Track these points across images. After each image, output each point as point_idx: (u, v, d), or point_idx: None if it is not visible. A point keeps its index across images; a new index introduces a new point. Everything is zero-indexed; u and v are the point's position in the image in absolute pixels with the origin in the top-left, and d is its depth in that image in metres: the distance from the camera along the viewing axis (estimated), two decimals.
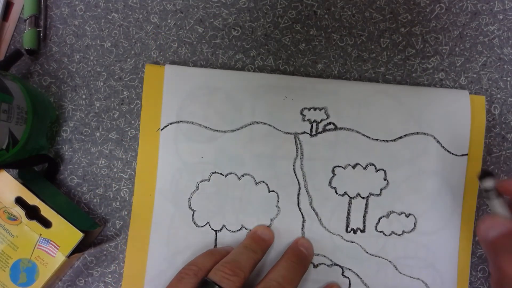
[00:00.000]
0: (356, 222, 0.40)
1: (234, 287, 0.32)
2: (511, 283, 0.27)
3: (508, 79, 0.41)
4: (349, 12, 0.42)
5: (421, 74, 0.41)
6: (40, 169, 0.41)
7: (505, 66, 0.41)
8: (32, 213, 0.38)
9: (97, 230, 0.40)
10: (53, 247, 0.37)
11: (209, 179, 0.40)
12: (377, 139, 0.40)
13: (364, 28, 0.42)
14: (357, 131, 0.40)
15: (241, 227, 0.40)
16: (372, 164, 0.40)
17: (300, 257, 0.38)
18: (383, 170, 0.40)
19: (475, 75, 0.41)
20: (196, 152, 0.40)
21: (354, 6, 0.42)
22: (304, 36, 0.42)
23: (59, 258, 0.37)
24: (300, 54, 0.42)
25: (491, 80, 0.41)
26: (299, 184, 0.40)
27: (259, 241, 0.38)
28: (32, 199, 0.38)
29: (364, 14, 0.42)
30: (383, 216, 0.40)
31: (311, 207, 0.40)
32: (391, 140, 0.40)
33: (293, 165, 0.40)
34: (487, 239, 0.30)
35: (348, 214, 0.40)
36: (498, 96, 0.41)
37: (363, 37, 0.42)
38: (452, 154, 0.40)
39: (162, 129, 0.40)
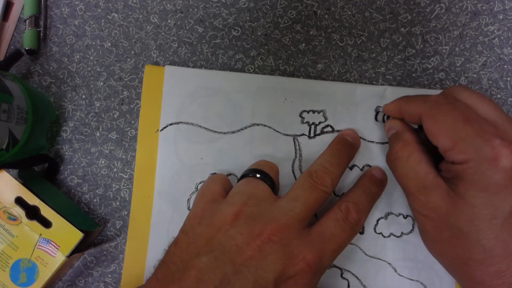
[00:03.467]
0: None
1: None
2: (388, 162, 0.36)
3: (508, 79, 0.41)
4: (349, 12, 0.42)
5: (421, 74, 0.41)
6: (40, 169, 0.41)
7: (505, 66, 0.41)
8: (32, 213, 0.38)
9: (97, 230, 0.40)
10: (53, 247, 0.37)
11: None
12: (373, 141, 0.40)
13: (364, 28, 0.42)
14: None
15: None
16: (369, 166, 0.40)
17: (346, 144, 0.38)
18: None
19: (475, 75, 0.41)
20: (195, 153, 0.40)
21: (354, 6, 0.42)
22: (304, 36, 0.42)
23: (59, 258, 0.37)
24: (300, 54, 0.42)
25: (491, 80, 0.41)
26: None
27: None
28: (32, 199, 0.38)
29: (364, 14, 0.42)
30: (381, 218, 0.40)
31: None
32: (387, 142, 0.40)
33: (292, 167, 0.40)
34: (387, 136, 0.37)
35: None
36: (498, 96, 0.41)
37: (363, 37, 0.42)
38: None
39: (161, 130, 0.40)
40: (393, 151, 0.35)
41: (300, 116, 0.40)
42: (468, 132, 0.30)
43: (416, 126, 0.36)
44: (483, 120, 0.31)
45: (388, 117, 0.38)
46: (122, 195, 0.41)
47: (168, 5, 0.42)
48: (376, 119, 0.40)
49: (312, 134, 0.40)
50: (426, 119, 0.33)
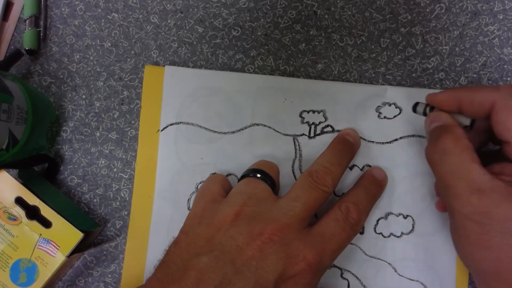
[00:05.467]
0: None
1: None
2: (428, 161, 0.33)
3: (508, 79, 0.41)
4: (349, 12, 0.42)
5: (421, 74, 0.41)
6: (40, 169, 0.41)
7: (505, 66, 0.41)
8: (32, 213, 0.38)
9: (97, 230, 0.40)
10: (53, 247, 0.37)
11: None
12: (373, 141, 0.40)
13: (364, 28, 0.41)
14: None
15: None
16: (369, 166, 0.40)
17: (346, 144, 0.38)
18: None
19: (475, 75, 0.41)
20: (195, 154, 0.40)
21: (354, 6, 0.42)
22: (304, 36, 0.42)
23: (59, 258, 0.37)
24: (300, 54, 0.42)
25: (491, 80, 0.41)
26: None
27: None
28: (32, 199, 0.38)
29: (364, 14, 0.42)
30: (381, 218, 0.40)
31: None
32: (387, 142, 0.40)
33: (292, 167, 0.40)
34: (429, 130, 0.34)
35: None
36: None
37: (363, 37, 0.42)
38: None
39: (161, 130, 0.40)
40: (441, 144, 0.32)
41: (300, 116, 0.40)
42: None
43: (468, 123, 0.33)
44: None
45: (431, 110, 0.35)
46: (122, 195, 0.41)
47: (168, 5, 0.42)
48: (414, 111, 0.36)
49: (312, 134, 0.40)
50: (501, 109, 0.30)
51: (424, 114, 0.35)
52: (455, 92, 0.33)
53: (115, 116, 0.42)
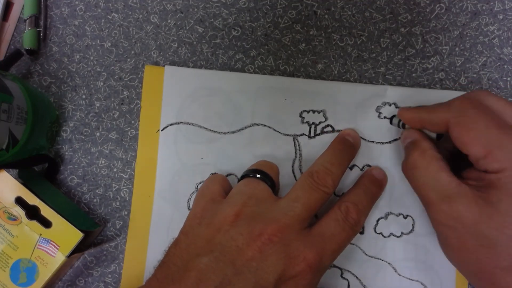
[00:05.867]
0: None
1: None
2: (405, 176, 0.35)
3: (508, 79, 0.41)
4: (349, 12, 0.42)
5: (421, 74, 0.41)
6: (40, 169, 0.41)
7: (505, 66, 0.41)
8: (32, 213, 0.38)
9: (97, 230, 0.40)
10: (53, 247, 0.37)
11: None
12: (373, 141, 0.40)
13: (364, 28, 0.41)
14: None
15: None
16: (369, 166, 0.40)
17: (346, 144, 0.38)
18: None
19: (475, 75, 0.41)
20: (195, 154, 0.40)
21: (354, 6, 0.42)
22: (304, 36, 0.42)
23: (59, 258, 0.37)
24: (300, 54, 0.42)
25: (491, 80, 0.41)
26: None
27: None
28: (32, 199, 0.38)
29: (364, 14, 0.42)
30: (381, 218, 0.40)
31: None
32: (387, 142, 0.40)
33: (292, 167, 0.40)
34: (403, 145, 0.37)
35: None
36: None
37: (363, 37, 0.42)
38: None
39: (161, 130, 0.40)
40: (411, 160, 0.34)
41: (300, 116, 0.40)
42: (502, 140, 0.30)
43: (434, 136, 0.35)
44: None
45: (404, 124, 0.37)
46: (122, 195, 0.41)
47: (168, 5, 0.42)
48: (391, 123, 0.39)
49: (312, 134, 0.40)
50: (455, 126, 0.32)
51: (399, 126, 0.38)
52: (418, 113, 0.35)
53: (115, 116, 0.42)
